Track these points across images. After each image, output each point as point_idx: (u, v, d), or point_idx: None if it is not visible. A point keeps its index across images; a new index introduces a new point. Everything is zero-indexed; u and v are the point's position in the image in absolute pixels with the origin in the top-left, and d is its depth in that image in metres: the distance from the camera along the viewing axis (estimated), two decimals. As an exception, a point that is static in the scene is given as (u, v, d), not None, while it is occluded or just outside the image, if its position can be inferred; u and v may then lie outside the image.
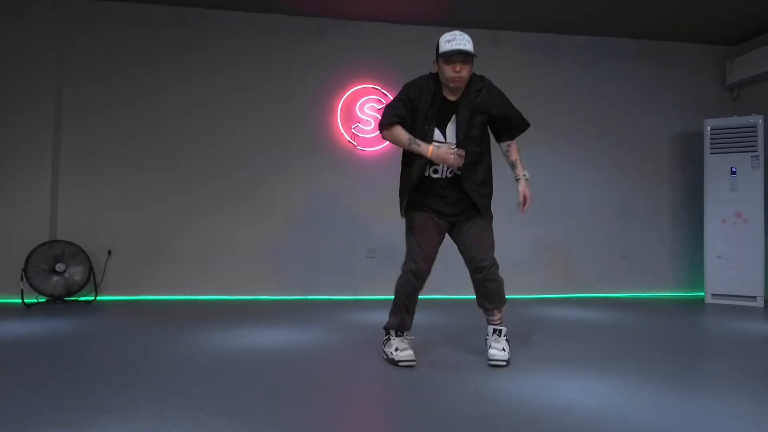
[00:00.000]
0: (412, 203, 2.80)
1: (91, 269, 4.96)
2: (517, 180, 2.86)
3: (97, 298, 5.04)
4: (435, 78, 2.75)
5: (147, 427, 1.86)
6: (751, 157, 5.34)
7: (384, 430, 1.94)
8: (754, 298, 5.29)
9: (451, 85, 2.67)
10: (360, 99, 5.54)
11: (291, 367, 2.73)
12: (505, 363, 2.75)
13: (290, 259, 5.39)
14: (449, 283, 4.88)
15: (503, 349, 2.78)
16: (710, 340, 3.66)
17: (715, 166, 5.51)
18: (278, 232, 5.39)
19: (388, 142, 3.16)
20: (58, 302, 4.86)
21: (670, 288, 5.99)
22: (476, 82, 2.76)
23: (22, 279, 4.69)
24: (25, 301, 4.71)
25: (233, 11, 5.40)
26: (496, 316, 2.86)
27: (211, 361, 2.82)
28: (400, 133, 2.70)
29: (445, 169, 2.74)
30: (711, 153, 5.53)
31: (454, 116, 2.73)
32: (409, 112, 2.72)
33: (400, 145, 2.74)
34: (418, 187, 2.77)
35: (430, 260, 2.77)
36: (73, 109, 5.18)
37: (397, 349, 2.77)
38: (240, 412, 2.04)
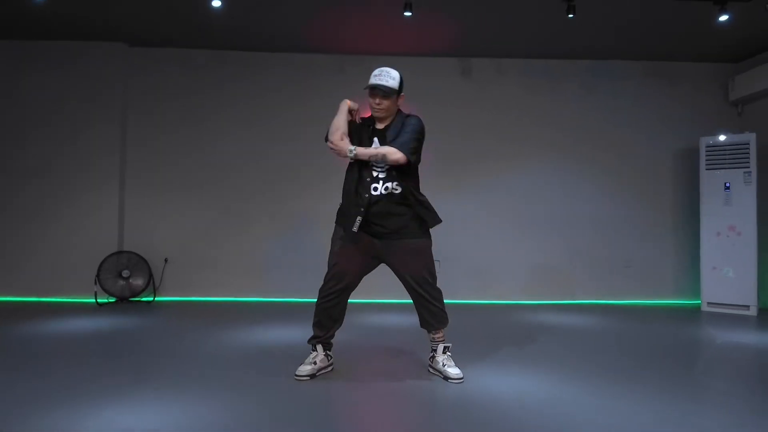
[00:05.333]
0: None
1: (150, 275, 5.94)
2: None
3: (156, 298, 6.02)
4: None
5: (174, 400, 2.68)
6: (744, 173, 5.61)
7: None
8: (747, 307, 5.57)
9: (375, 114, 3.14)
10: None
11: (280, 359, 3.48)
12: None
13: (314, 265, 6.14)
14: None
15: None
16: (686, 346, 4.14)
17: (709, 181, 5.81)
18: (303, 240, 6.17)
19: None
20: (124, 302, 5.86)
21: (669, 296, 6.31)
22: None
23: (95, 283, 5.72)
24: (98, 300, 5.74)
25: (262, 52, 6.25)
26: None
27: (232, 353, 3.64)
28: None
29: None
30: (706, 169, 5.83)
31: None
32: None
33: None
34: None
35: None
36: (135, 134, 6.20)
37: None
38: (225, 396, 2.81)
